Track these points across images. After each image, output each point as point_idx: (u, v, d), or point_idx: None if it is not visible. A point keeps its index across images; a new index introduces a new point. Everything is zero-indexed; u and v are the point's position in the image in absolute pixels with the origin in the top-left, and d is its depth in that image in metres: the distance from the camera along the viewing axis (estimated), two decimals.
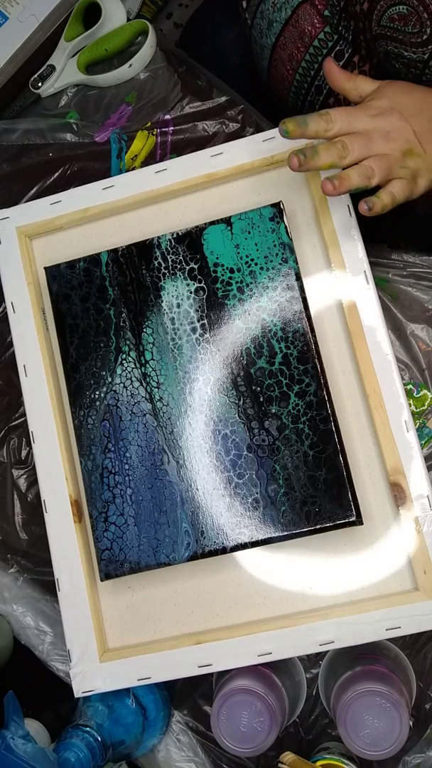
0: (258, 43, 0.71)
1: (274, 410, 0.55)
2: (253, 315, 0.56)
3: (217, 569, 0.57)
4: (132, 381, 0.58)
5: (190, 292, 0.58)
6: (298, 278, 0.56)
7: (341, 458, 0.53)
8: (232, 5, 0.76)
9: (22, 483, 0.68)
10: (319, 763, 0.55)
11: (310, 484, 0.54)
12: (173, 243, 0.58)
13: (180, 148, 0.70)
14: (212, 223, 0.58)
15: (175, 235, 0.58)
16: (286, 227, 0.57)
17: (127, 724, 0.57)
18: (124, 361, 0.58)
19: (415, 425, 0.60)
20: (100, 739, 0.55)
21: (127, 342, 0.58)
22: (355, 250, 0.57)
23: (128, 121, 0.71)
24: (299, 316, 0.56)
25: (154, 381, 0.57)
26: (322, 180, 0.51)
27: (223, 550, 0.55)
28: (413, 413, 0.62)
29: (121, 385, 0.58)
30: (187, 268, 0.58)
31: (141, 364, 0.58)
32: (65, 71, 0.73)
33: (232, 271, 0.57)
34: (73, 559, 0.58)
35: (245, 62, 0.82)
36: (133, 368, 0.58)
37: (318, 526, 0.53)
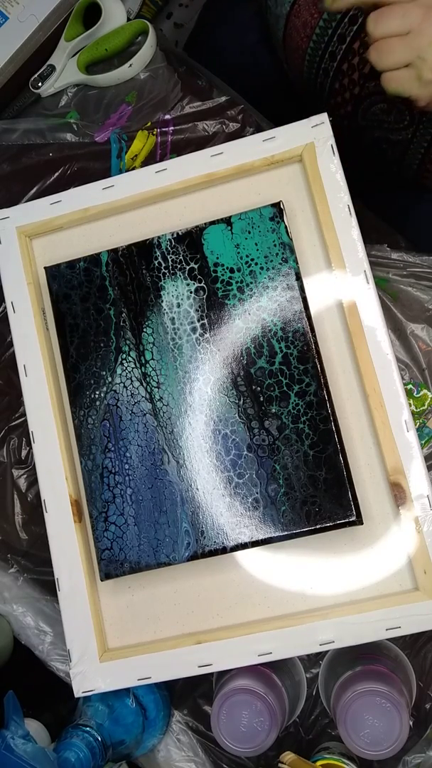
0: (273, 14, 0.71)
1: (274, 410, 0.55)
2: (253, 315, 0.56)
3: (217, 569, 0.57)
4: (132, 381, 0.58)
5: (190, 292, 0.58)
6: (298, 278, 0.56)
7: (341, 458, 0.53)
8: None
9: (22, 483, 0.68)
10: (319, 763, 0.55)
11: (310, 484, 0.54)
12: (173, 243, 0.58)
13: (180, 148, 0.70)
14: (212, 223, 0.58)
15: (175, 235, 0.58)
16: (286, 227, 0.57)
17: (127, 724, 0.57)
18: (124, 361, 0.58)
19: (415, 425, 0.60)
20: (100, 739, 0.55)
21: (127, 342, 0.58)
22: (355, 250, 0.57)
23: (128, 121, 0.71)
24: (299, 316, 0.56)
25: (154, 381, 0.57)
26: None
27: (223, 550, 0.55)
28: (413, 413, 0.62)
29: (121, 384, 0.58)
30: (187, 267, 0.58)
31: (141, 363, 0.58)
32: (65, 71, 0.73)
33: (232, 270, 0.57)
34: (73, 559, 0.58)
35: (262, 38, 0.81)
36: (133, 368, 0.58)
37: (318, 526, 0.53)
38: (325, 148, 0.58)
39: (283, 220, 0.57)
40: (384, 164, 0.73)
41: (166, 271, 0.58)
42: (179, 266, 0.58)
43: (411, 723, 0.57)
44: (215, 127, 0.70)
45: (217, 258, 0.58)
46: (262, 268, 0.57)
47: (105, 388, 0.58)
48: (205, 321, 0.57)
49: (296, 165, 0.60)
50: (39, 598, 0.66)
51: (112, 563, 0.56)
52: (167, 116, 0.71)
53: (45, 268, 0.61)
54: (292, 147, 0.59)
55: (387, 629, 0.53)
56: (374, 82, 0.66)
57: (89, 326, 0.59)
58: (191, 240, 0.58)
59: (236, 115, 0.70)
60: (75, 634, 0.57)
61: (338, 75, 0.68)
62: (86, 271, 0.60)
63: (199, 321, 0.57)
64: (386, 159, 0.73)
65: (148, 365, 0.58)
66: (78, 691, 0.57)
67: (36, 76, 0.73)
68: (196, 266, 0.58)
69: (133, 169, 0.70)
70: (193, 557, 0.55)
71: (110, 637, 0.59)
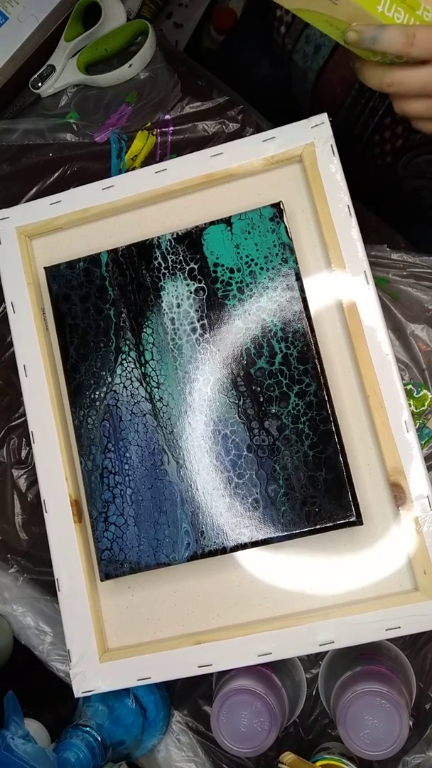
0: (300, 68, 0.69)
1: (274, 410, 0.55)
2: (253, 315, 0.56)
3: (217, 569, 0.57)
4: (132, 381, 0.58)
5: (190, 292, 0.58)
6: (298, 278, 0.56)
7: (341, 458, 0.53)
8: (267, 32, 0.74)
9: (22, 483, 0.68)
10: (319, 763, 0.55)
11: (310, 484, 0.54)
12: (173, 243, 0.58)
13: (180, 148, 0.70)
14: (212, 223, 0.58)
15: (175, 235, 0.58)
16: (286, 227, 0.57)
17: (127, 724, 0.57)
18: (124, 361, 0.58)
19: (415, 425, 0.60)
20: (100, 739, 0.55)
21: (127, 342, 0.58)
22: (355, 250, 0.57)
23: (128, 121, 0.71)
24: (299, 316, 0.56)
25: (154, 381, 0.57)
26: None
27: (223, 550, 0.55)
28: (413, 413, 0.62)
29: (121, 385, 0.58)
30: (187, 268, 0.58)
31: (141, 364, 0.58)
32: (65, 71, 0.73)
33: (232, 271, 0.57)
34: (73, 559, 0.58)
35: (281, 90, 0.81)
36: (133, 368, 0.58)
37: (318, 526, 0.53)
38: (325, 148, 0.58)
39: (283, 221, 0.57)
40: (420, 208, 0.72)
41: (165, 272, 0.58)
42: (179, 266, 0.58)
43: (411, 723, 0.57)
44: (215, 127, 0.70)
45: (217, 258, 0.58)
46: (261, 269, 0.57)
47: (105, 389, 0.58)
48: (205, 321, 0.57)
49: (296, 165, 0.60)
50: (39, 598, 0.66)
51: (112, 563, 0.56)
52: (167, 116, 0.71)
53: (45, 268, 0.61)
54: (292, 147, 0.59)
55: (387, 629, 0.53)
56: (419, 134, 0.65)
57: (89, 326, 0.59)
58: (191, 240, 0.58)
59: (236, 115, 0.70)
60: (75, 634, 0.57)
61: (379, 128, 0.67)
62: (86, 272, 0.60)
63: (199, 321, 0.57)
64: (423, 204, 0.72)
65: (148, 365, 0.58)
66: (78, 692, 0.57)
67: (36, 76, 0.73)
68: (195, 266, 0.58)
69: (133, 169, 0.70)
70: (193, 557, 0.55)
71: (110, 637, 0.59)
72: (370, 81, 0.50)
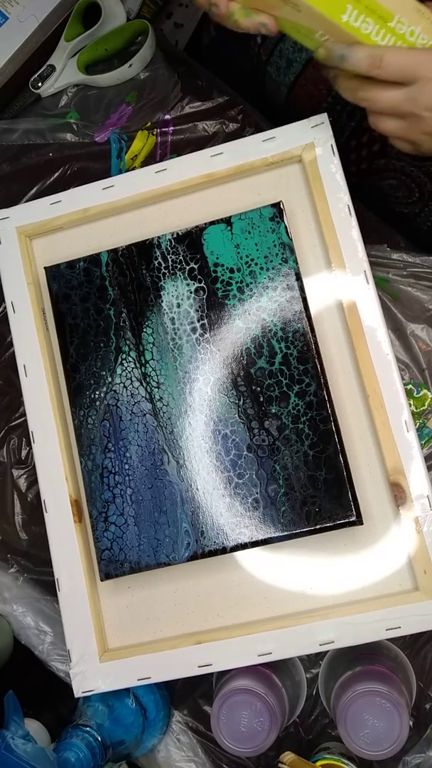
0: (274, 80, 0.70)
1: (274, 410, 0.55)
2: (253, 315, 0.56)
3: (217, 569, 0.57)
4: (132, 381, 0.58)
5: (190, 292, 0.58)
6: (298, 278, 0.56)
7: (341, 458, 0.53)
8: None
9: (22, 483, 0.68)
10: (319, 763, 0.55)
11: (310, 484, 0.54)
12: (173, 243, 0.58)
13: (180, 148, 0.70)
14: (212, 223, 0.58)
15: (175, 235, 0.58)
16: (286, 227, 0.57)
17: (127, 724, 0.57)
18: (124, 361, 0.58)
19: (415, 425, 0.60)
20: (100, 739, 0.55)
21: (127, 342, 0.58)
22: (355, 250, 0.57)
23: (128, 121, 0.71)
24: (299, 316, 0.56)
25: (154, 381, 0.57)
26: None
27: (223, 550, 0.55)
28: (413, 413, 0.62)
29: (121, 385, 0.58)
30: (187, 268, 0.58)
31: (141, 364, 0.58)
32: (65, 71, 0.73)
33: (232, 271, 0.57)
34: (73, 559, 0.58)
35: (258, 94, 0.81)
36: (133, 368, 0.58)
37: (318, 526, 0.53)
38: (325, 148, 0.58)
39: (283, 221, 0.57)
40: (391, 224, 0.73)
41: (166, 271, 0.58)
42: (179, 266, 0.58)
43: (411, 723, 0.57)
44: (215, 127, 0.70)
45: (217, 258, 0.58)
46: (262, 269, 0.57)
47: (105, 388, 0.58)
48: (205, 321, 0.57)
49: (296, 165, 0.60)
50: (39, 598, 0.66)
51: (112, 563, 0.56)
52: (167, 116, 0.71)
53: (45, 268, 0.61)
54: (292, 147, 0.59)
55: (387, 629, 0.53)
56: (383, 160, 0.66)
57: (89, 326, 0.59)
58: (191, 240, 0.58)
59: (236, 115, 0.70)
60: (75, 634, 0.57)
61: (345, 149, 0.67)
62: (86, 272, 0.60)
63: (199, 321, 0.57)
64: (393, 222, 0.72)
65: (148, 365, 0.58)
66: (78, 691, 0.57)
67: (36, 76, 0.73)
68: (196, 266, 0.58)
69: (133, 169, 0.70)
70: (193, 557, 0.55)
71: (110, 637, 0.59)
72: (345, 93, 0.51)
